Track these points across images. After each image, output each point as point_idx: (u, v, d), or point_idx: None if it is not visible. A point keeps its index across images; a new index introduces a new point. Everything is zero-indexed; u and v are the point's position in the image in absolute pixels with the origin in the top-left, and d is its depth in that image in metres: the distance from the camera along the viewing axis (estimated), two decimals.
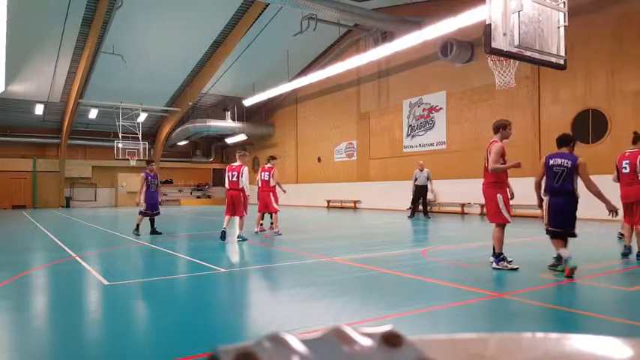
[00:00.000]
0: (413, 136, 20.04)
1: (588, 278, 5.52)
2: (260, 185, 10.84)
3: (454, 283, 5.27)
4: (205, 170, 36.32)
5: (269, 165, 10.96)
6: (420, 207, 15.67)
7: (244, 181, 9.40)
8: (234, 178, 9.43)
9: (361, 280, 5.66)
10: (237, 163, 9.57)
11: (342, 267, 6.55)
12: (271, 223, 11.00)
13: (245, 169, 9.47)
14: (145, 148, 27.38)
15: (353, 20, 18.42)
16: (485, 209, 6.58)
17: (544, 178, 5.86)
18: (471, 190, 17.15)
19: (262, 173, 10.86)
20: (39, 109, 25.88)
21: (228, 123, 28.81)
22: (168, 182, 34.91)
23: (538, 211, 6.15)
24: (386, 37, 19.55)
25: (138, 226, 10.77)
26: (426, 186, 15.30)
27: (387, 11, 18.90)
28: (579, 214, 5.72)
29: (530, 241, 9.34)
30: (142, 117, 26.60)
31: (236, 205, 9.47)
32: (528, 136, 15.51)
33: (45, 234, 12.01)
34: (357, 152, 23.27)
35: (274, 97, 25.71)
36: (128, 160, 27.38)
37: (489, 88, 15.64)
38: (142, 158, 27.53)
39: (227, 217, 9.65)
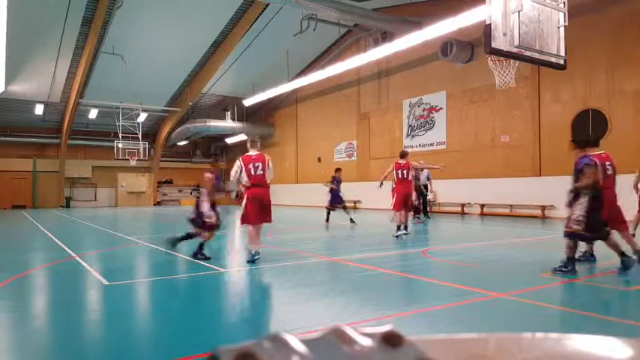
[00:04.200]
0: (413, 136, 20.04)
1: (588, 278, 5.52)
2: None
3: (454, 283, 5.27)
4: (205, 170, 36.30)
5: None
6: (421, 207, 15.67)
7: (272, 173, 7.11)
8: (260, 171, 6.89)
9: (361, 280, 5.65)
10: (256, 152, 7.06)
11: (342, 267, 6.55)
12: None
13: (269, 159, 7.12)
14: (145, 148, 27.38)
15: (353, 20, 18.41)
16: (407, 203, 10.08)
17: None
18: (470, 190, 17.16)
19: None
20: (39, 109, 25.87)
21: (228, 123, 28.80)
22: (169, 182, 34.92)
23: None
24: (386, 37, 19.53)
25: None
26: (426, 185, 15.31)
27: (387, 11, 18.89)
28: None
29: (530, 241, 9.35)
30: (142, 117, 26.59)
31: (267, 207, 7.01)
32: (528, 136, 15.52)
33: (45, 234, 12.01)
34: (357, 152, 23.27)
35: (274, 97, 25.70)
36: (128, 160, 27.38)
37: (489, 88, 15.63)
38: (142, 158, 27.54)
39: (256, 229, 7.01)
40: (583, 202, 5.62)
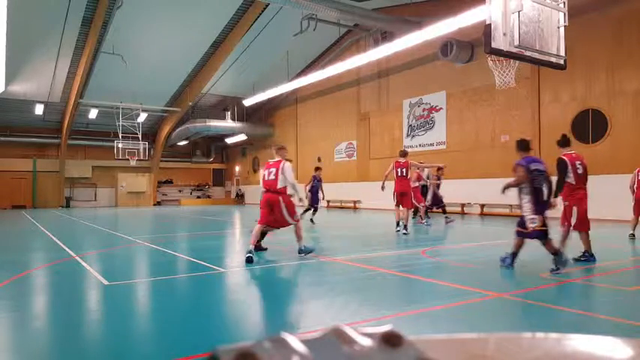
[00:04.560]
0: (413, 136, 20.04)
1: (588, 278, 5.52)
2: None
3: (454, 283, 5.27)
4: (205, 170, 36.32)
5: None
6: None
7: (288, 178, 7.14)
8: (272, 176, 7.13)
9: (361, 280, 5.65)
10: (276, 159, 7.36)
11: (342, 267, 6.55)
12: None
13: (287, 165, 7.19)
14: (145, 148, 27.38)
15: (353, 20, 18.41)
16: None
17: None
18: (470, 190, 17.15)
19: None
20: (39, 109, 25.88)
21: (228, 123, 28.80)
22: (169, 182, 34.92)
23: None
24: (386, 37, 19.54)
25: None
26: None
27: (387, 11, 18.90)
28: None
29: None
30: (142, 117, 26.61)
31: (275, 211, 7.13)
32: (528, 136, 15.50)
33: (45, 234, 12.01)
34: (357, 152, 23.27)
35: (274, 97, 25.71)
36: (128, 160, 27.38)
37: (489, 88, 15.63)
38: (142, 158, 27.54)
39: (258, 229, 7.27)
40: (525, 200, 5.85)
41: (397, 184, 10.49)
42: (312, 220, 13.65)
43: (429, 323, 3.85)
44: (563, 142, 6.77)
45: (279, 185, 7.08)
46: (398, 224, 10.47)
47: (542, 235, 5.81)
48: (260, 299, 5.06)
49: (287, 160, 7.41)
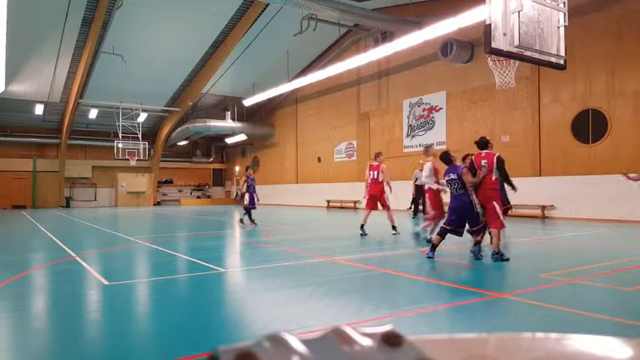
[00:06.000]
0: (413, 136, 20.04)
1: (588, 278, 5.52)
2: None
3: (454, 283, 5.27)
4: (205, 170, 36.32)
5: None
6: (421, 207, 15.66)
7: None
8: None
9: (361, 280, 5.66)
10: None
11: (342, 267, 6.55)
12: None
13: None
14: (145, 148, 27.38)
15: (353, 20, 18.40)
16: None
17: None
18: None
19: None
20: (39, 109, 25.87)
21: (228, 123, 28.80)
22: (169, 182, 34.92)
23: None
24: (386, 37, 19.54)
25: None
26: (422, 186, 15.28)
27: (387, 11, 18.89)
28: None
29: (530, 241, 9.34)
30: (142, 117, 26.60)
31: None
32: (528, 137, 15.51)
33: (45, 234, 12.01)
34: (357, 152, 23.27)
35: (274, 97, 25.70)
36: (128, 160, 27.38)
37: (489, 88, 15.64)
38: (142, 158, 27.54)
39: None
40: None
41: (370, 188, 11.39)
42: (253, 222, 13.18)
43: (429, 323, 3.85)
44: (481, 144, 7.44)
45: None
46: (394, 228, 10.38)
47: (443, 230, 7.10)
48: (260, 299, 5.06)
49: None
